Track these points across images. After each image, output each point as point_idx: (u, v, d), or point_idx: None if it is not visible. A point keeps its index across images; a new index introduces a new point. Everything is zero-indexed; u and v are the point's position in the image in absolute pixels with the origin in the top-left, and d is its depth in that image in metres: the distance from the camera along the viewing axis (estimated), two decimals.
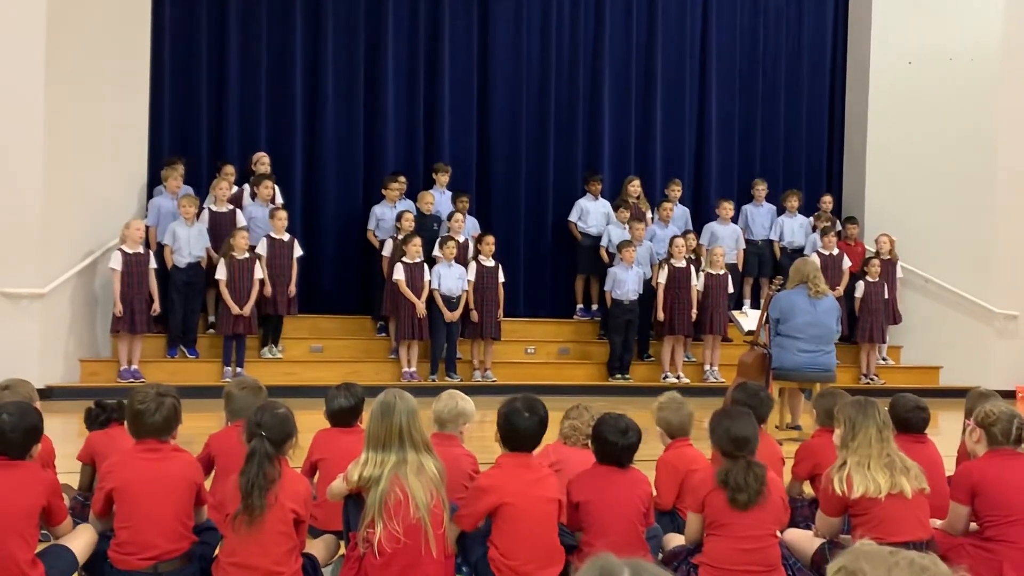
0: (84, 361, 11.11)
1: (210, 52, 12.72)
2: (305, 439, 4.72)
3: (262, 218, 11.73)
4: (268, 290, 11.37)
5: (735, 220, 13.73)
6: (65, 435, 8.29)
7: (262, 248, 11.46)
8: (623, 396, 11.82)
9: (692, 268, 12.59)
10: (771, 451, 5.18)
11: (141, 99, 12.06)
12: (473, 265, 12.09)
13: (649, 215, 13.37)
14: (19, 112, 10.36)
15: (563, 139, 13.94)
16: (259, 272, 11.29)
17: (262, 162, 12.25)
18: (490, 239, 12.22)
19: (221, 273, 11.15)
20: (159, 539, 4.13)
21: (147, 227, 11.47)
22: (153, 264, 11.03)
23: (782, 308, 9.01)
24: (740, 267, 13.19)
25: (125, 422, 4.41)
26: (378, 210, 12.48)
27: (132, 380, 10.77)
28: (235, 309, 11.11)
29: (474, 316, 12.00)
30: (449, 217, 12.34)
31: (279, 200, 12.10)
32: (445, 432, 4.93)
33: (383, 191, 12.52)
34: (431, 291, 11.76)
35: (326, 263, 13.06)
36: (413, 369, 11.84)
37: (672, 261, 12.53)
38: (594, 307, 13.38)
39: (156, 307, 11.01)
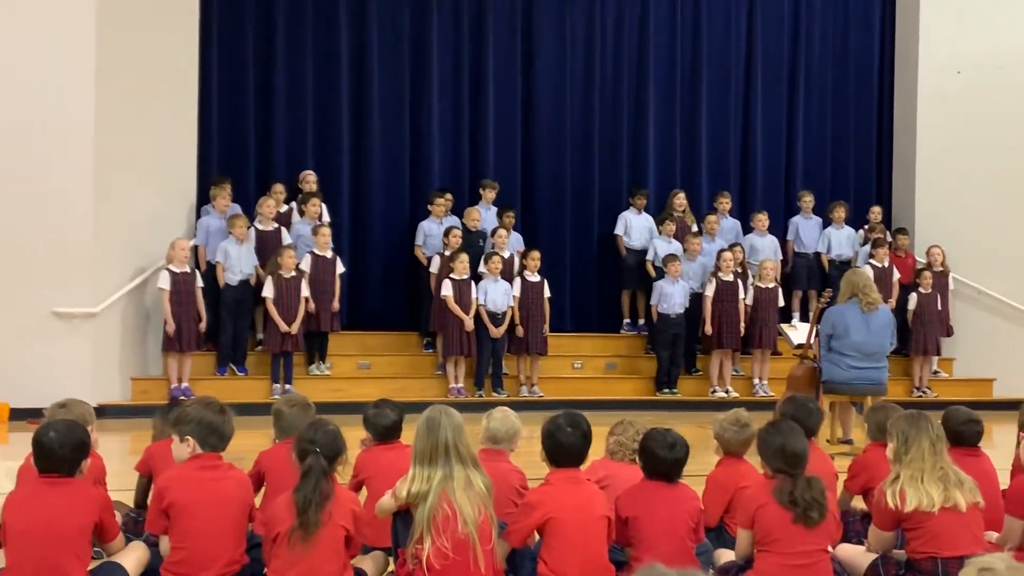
0: (135, 379, 11.22)
1: (257, 73, 12.82)
2: (354, 456, 4.74)
3: (310, 236, 11.78)
4: (312, 306, 11.44)
5: (783, 232, 13.63)
6: (120, 452, 8.40)
7: (305, 265, 11.51)
8: (671, 411, 11.76)
9: (740, 281, 12.52)
10: (824, 466, 5.12)
11: (190, 119, 12.16)
12: (518, 280, 12.10)
13: (695, 228, 13.33)
14: (69, 132, 10.51)
15: (608, 153, 13.92)
16: (305, 290, 11.36)
17: (307, 180, 12.33)
18: (535, 254, 12.23)
19: (268, 291, 11.23)
20: (215, 560, 4.16)
21: (196, 246, 11.62)
22: (200, 283, 11.13)
23: (834, 324, 8.88)
24: (778, 279, 13.03)
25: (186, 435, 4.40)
26: (425, 226, 12.52)
27: (183, 398, 10.88)
28: (283, 327, 11.18)
29: (519, 332, 12.01)
30: (493, 233, 12.38)
31: (326, 218, 12.16)
32: (494, 448, 4.93)
33: (429, 207, 12.57)
34: (477, 307, 11.80)
35: (373, 280, 13.12)
36: (460, 385, 11.86)
37: (720, 275, 12.47)
38: (640, 321, 13.34)
39: (203, 325, 11.12)
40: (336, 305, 11.69)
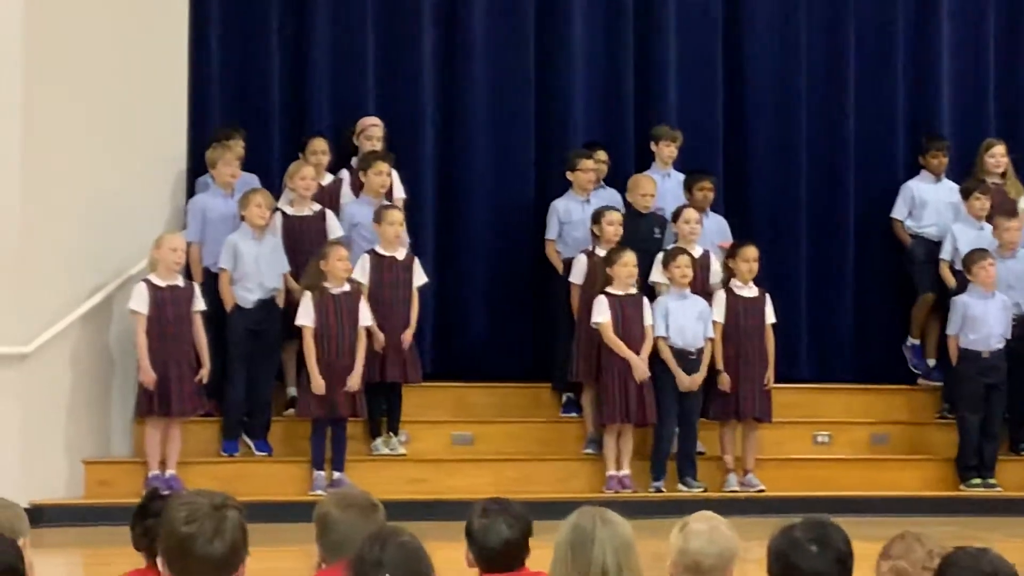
0: (91, 463, 11.40)
1: None
2: None
3: (370, 223, 11.88)
4: (379, 341, 11.52)
5: None
6: None
7: (361, 271, 11.57)
8: (985, 515, 11.64)
9: None
10: None
11: (176, 44, 12.36)
12: (721, 296, 12.05)
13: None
14: None
15: (871, 85, 13.87)
16: (366, 315, 11.45)
17: (371, 134, 12.36)
18: (749, 252, 12.13)
19: (306, 317, 11.30)
20: None
21: (188, 244, 11.71)
22: (200, 305, 11.25)
23: None
24: None
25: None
26: (561, 207, 12.54)
27: (167, 492, 11.00)
28: (318, 383, 11.21)
29: (724, 382, 11.93)
30: (676, 216, 12.33)
31: (400, 193, 12.29)
32: None
33: (569, 174, 12.58)
34: (655, 341, 11.79)
35: (474, 298, 13.19)
36: (625, 473, 11.80)
37: None
38: (930, 363, 13.21)
39: (204, 373, 11.25)
40: (409, 337, 11.72)
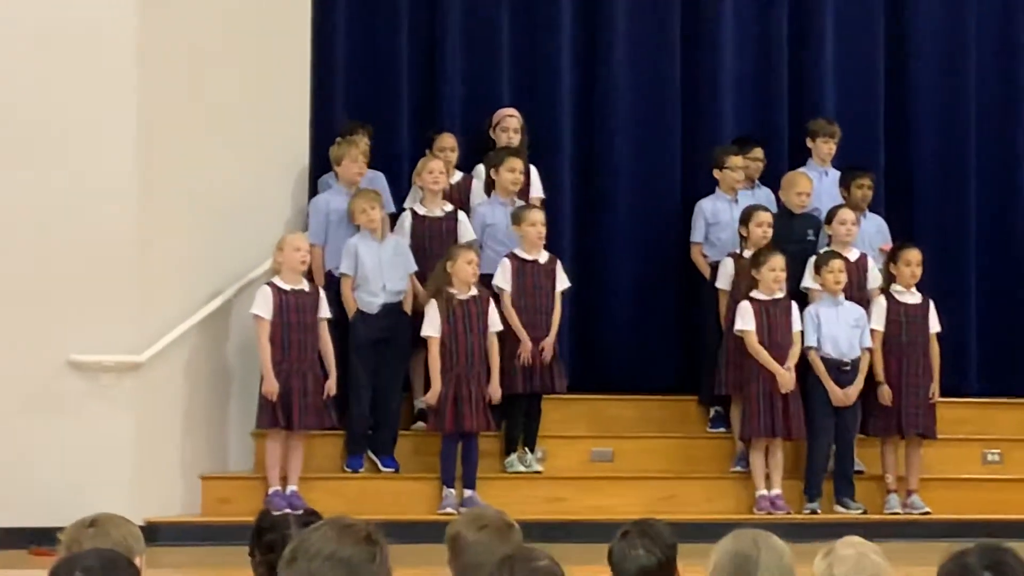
0: (208, 479, 11.50)
1: None
2: None
3: (505, 226, 11.88)
4: (526, 350, 11.42)
5: None
6: None
7: (503, 277, 11.55)
8: None
9: None
10: None
11: (298, 41, 12.44)
12: (880, 303, 11.95)
13: None
14: (92, 67, 10.81)
15: None
16: (496, 321, 11.42)
17: (507, 126, 12.35)
18: (912, 255, 12.00)
19: (432, 327, 11.29)
20: None
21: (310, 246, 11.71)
22: (326, 311, 11.26)
23: None
24: None
25: None
26: (708, 208, 12.50)
27: (288, 511, 11.00)
28: (434, 394, 11.23)
29: (885, 395, 11.82)
30: (830, 216, 12.23)
31: (536, 192, 12.28)
32: None
33: (716, 172, 12.53)
34: (805, 351, 11.71)
35: (616, 305, 13.18)
36: (776, 492, 11.73)
37: None
38: None
39: (331, 385, 11.27)
40: (550, 345, 11.68)
